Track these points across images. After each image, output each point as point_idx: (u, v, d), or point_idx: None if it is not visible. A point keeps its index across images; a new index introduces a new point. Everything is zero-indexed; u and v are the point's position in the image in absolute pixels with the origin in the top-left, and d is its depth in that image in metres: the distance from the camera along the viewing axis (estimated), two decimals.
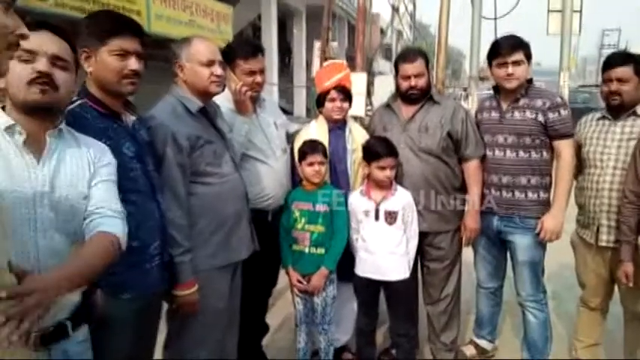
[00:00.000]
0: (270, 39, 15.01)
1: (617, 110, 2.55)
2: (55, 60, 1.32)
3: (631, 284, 2.41)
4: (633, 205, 2.38)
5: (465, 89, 19.87)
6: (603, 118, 2.63)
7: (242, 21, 14.52)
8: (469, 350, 3.11)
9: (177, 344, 2.16)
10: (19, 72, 1.26)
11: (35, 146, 1.30)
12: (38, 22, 1.29)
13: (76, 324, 1.37)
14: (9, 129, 1.26)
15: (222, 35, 11.44)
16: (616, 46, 55.04)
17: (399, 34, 28.60)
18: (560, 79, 10.64)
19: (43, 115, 1.34)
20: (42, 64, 1.28)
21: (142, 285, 1.75)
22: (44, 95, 1.31)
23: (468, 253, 2.99)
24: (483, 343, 3.10)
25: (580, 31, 11.68)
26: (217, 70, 2.12)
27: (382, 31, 25.91)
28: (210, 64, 2.10)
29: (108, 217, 1.39)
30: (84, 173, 1.41)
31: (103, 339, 1.55)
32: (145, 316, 1.80)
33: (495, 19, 10.73)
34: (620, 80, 2.50)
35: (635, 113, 2.50)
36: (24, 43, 1.24)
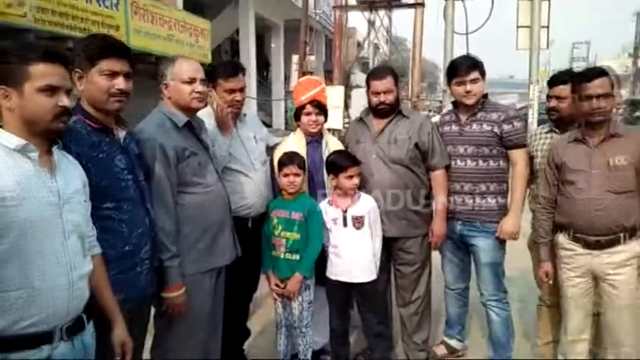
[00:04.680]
0: (248, 53, 15.20)
1: (559, 124, 2.81)
2: (68, 91, 1.50)
3: (551, 282, 2.67)
4: (546, 210, 2.64)
5: (440, 102, 20.34)
6: (551, 131, 2.89)
7: (220, 35, 14.69)
8: (440, 350, 3.29)
9: (164, 344, 2.29)
10: (44, 104, 1.42)
11: (45, 162, 1.46)
12: (46, 51, 1.43)
13: (89, 317, 1.56)
14: (24, 149, 1.41)
15: (200, 50, 11.59)
16: (586, 59, 56.81)
17: (376, 47, 29.05)
18: (530, 92, 11.02)
19: (55, 138, 1.51)
20: (66, 100, 1.46)
21: (133, 287, 1.90)
22: (65, 125, 1.50)
23: (439, 259, 3.18)
24: (453, 343, 3.29)
25: (548, 45, 12.12)
26: (198, 87, 2.29)
27: (359, 45, 26.31)
28: (191, 81, 2.27)
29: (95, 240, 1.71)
30: (82, 183, 1.60)
31: (97, 338, 1.69)
32: (135, 316, 1.94)
33: (467, 34, 11.06)
34: (558, 98, 2.77)
35: (579, 126, 2.76)
36: (43, 78, 1.40)
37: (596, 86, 2.35)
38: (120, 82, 1.87)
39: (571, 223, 2.49)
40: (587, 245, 2.44)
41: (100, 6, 8.09)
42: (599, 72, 2.41)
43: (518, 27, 11.73)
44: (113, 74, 1.86)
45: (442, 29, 11.46)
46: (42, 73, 1.41)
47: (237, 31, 15.58)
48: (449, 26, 11.05)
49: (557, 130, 2.85)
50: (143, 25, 9.36)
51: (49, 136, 1.47)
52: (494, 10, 11.03)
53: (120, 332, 1.71)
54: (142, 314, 2.05)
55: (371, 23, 21.80)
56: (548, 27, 11.60)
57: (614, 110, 2.45)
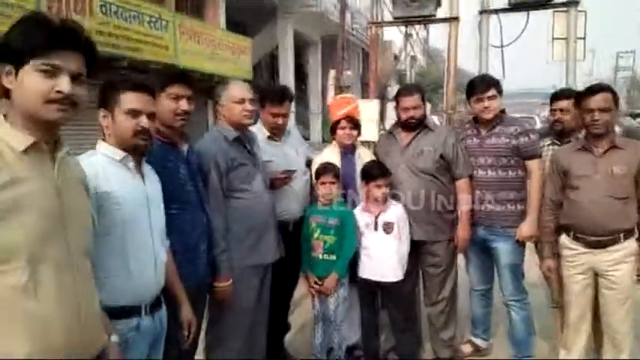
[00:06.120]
0: (287, 68, 15.73)
1: (562, 136, 3.05)
2: (151, 115, 1.86)
3: (553, 276, 2.90)
4: (552, 212, 2.87)
5: None
6: (553, 143, 3.17)
7: (260, 52, 15.29)
8: (467, 348, 3.51)
9: (216, 329, 2.64)
10: (127, 124, 1.79)
11: (137, 170, 1.85)
12: (134, 83, 1.82)
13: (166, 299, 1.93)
14: (123, 159, 1.80)
15: (242, 66, 12.16)
16: (630, 68, 55.11)
17: (413, 59, 29.25)
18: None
19: (142, 152, 1.89)
20: (145, 122, 1.82)
21: (193, 275, 2.25)
22: (144, 141, 1.85)
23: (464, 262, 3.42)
24: (479, 342, 3.51)
25: (584, 57, 12.08)
26: (247, 106, 2.66)
27: (396, 58, 26.54)
28: (241, 101, 2.65)
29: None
30: (160, 190, 1.96)
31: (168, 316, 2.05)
32: (194, 300, 2.28)
33: (502, 47, 11.16)
34: (562, 111, 3.04)
35: (577, 139, 3.01)
36: (129, 103, 1.77)
37: (598, 100, 2.59)
38: (184, 104, 2.25)
39: (575, 225, 2.73)
40: (588, 245, 2.68)
41: (151, 28, 8.72)
42: (602, 87, 2.65)
43: (553, 39, 11.75)
44: (178, 97, 2.24)
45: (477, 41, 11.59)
46: (129, 99, 1.79)
47: (277, 47, 16.16)
48: (484, 40, 11.20)
49: (557, 142, 3.15)
50: (190, 45, 9.97)
51: (134, 150, 1.84)
52: (531, 22, 11.11)
53: (187, 312, 2.07)
54: (199, 299, 2.40)
55: (407, 36, 21.99)
56: (584, 38, 11.55)
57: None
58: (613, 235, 2.62)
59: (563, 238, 2.82)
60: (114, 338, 1.56)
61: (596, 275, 2.73)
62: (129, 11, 8.17)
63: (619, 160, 2.60)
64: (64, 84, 1.29)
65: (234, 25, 13.30)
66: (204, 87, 9.63)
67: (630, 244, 2.64)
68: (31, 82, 1.27)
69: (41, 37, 1.27)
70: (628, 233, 2.63)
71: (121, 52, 7.94)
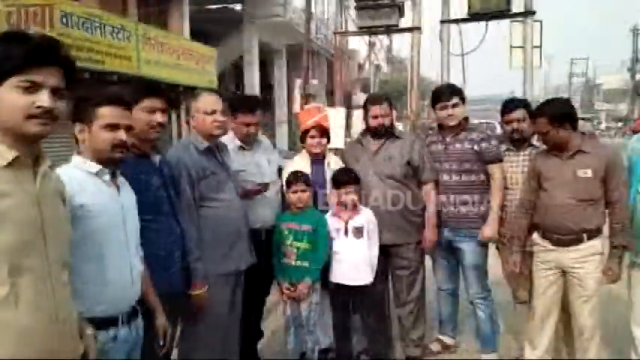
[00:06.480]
0: (252, 77, 15.77)
1: (517, 143, 3.24)
2: (129, 128, 1.88)
3: (517, 270, 3.03)
4: (525, 210, 3.01)
5: None
6: (508, 150, 3.32)
7: (225, 61, 15.26)
8: (435, 346, 3.62)
9: (189, 336, 2.66)
10: (105, 138, 1.80)
11: (112, 181, 1.87)
12: (110, 97, 1.84)
13: (141, 307, 1.94)
14: (99, 172, 1.82)
15: (206, 76, 12.11)
16: (584, 74, 57.63)
17: (377, 67, 29.69)
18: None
19: (117, 164, 1.91)
20: (123, 135, 1.84)
21: (168, 284, 2.26)
22: (122, 154, 1.86)
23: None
24: (446, 339, 3.63)
25: (541, 64, 12.58)
26: (218, 117, 2.71)
27: (360, 66, 26.88)
28: (212, 112, 2.69)
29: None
30: (135, 201, 1.99)
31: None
32: (169, 307, 2.29)
33: (462, 55, 11.49)
34: (519, 121, 3.20)
35: (531, 145, 3.21)
36: (106, 118, 1.80)
37: (538, 125, 2.79)
38: (158, 117, 2.28)
39: (543, 224, 2.89)
40: (554, 242, 2.84)
41: (113, 39, 8.61)
42: (539, 113, 2.80)
43: (511, 47, 12.18)
44: (153, 110, 2.27)
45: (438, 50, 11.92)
46: (106, 113, 1.81)
47: (242, 57, 16.17)
48: (445, 48, 11.53)
49: (512, 149, 3.30)
50: (153, 55, 9.87)
51: (111, 162, 1.87)
52: (491, 31, 11.51)
53: (161, 320, 2.09)
54: (175, 307, 2.41)
55: (371, 45, 22.34)
56: (540, 47, 12.03)
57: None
58: (576, 234, 2.77)
59: (535, 235, 2.98)
60: (89, 331, 1.58)
61: (565, 273, 2.86)
62: (90, 22, 8.05)
63: (583, 164, 2.75)
64: (44, 99, 1.32)
65: (199, 34, 13.25)
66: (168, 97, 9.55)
67: (594, 243, 2.78)
68: (11, 99, 1.30)
69: (20, 55, 1.30)
70: (592, 233, 2.77)
71: (83, 63, 7.81)
